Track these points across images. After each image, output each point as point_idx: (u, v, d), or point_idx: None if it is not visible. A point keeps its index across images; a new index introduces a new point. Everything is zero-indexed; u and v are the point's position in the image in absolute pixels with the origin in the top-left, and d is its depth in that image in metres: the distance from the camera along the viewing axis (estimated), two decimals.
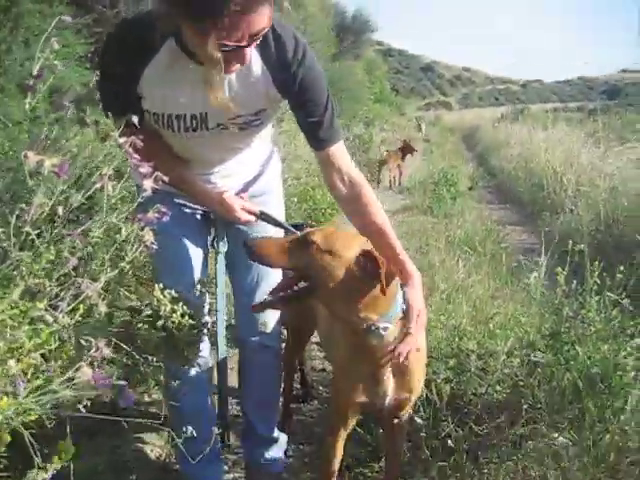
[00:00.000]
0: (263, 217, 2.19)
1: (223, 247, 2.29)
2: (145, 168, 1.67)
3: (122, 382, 1.47)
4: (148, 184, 1.64)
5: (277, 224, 2.22)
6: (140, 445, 2.82)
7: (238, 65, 1.77)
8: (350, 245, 1.81)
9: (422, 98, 73.89)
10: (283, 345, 2.98)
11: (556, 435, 2.04)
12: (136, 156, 1.61)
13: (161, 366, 2.28)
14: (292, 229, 2.21)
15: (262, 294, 2.25)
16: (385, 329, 1.82)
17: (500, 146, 16.05)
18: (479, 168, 14.54)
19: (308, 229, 1.98)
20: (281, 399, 2.73)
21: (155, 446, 2.83)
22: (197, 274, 2.18)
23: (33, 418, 1.50)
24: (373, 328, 1.82)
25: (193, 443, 1.89)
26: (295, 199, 6.57)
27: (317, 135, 2.03)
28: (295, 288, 1.87)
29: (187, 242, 2.19)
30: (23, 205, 1.55)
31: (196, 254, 2.21)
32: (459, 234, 6.34)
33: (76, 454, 1.49)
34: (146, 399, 3.19)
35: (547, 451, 2.01)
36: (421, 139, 20.20)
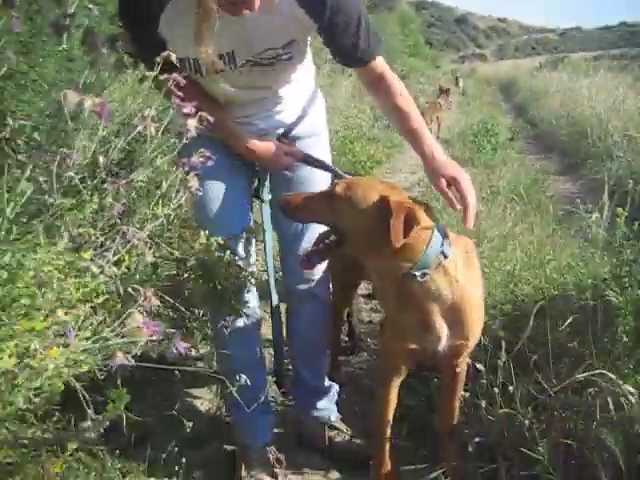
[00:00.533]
0: (306, 159, 2.13)
1: (267, 195, 2.22)
2: (188, 108, 1.61)
3: (173, 330, 1.43)
4: (192, 123, 1.59)
5: (322, 166, 2.15)
6: (189, 399, 2.82)
7: (248, 11, 1.70)
8: (369, 194, 1.77)
9: (456, 51, 72.54)
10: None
11: (621, 382, 1.93)
12: (179, 93, 1.54)
13: (208, 319, 2.27)
14: (339, 171, 2.15)
15: (308, 242, 2.20)
16: (423, 276, 1.78)
17: (539, 96, 15.57)
18: (518, 119, 14.18)
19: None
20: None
21: (205, 399, 2.83)
22: (242, 221, 2.12)
23: (85, 369, 1.46)
24: (411, 275, 1.78)
25: (244, 393, 1.85)
26: (334, 152, 6.48)
27: (355, 56, 1.97)
28: (326, 242, 1.87)
29: (231, 188, 2.12)
30: (64, 149, 1.50)
31: (240, 200, 2.15)
32: (502, 184, 6.18)
33: (128, 405, 1.46)
34: (193, 354, 3.18)
35: (611, 398, 1.91)
36: (458, 93, 19.73)
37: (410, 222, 1.69)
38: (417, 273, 1.77)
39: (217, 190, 2.07)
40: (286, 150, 2.10)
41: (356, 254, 1.90)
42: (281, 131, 2.16)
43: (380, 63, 2.01)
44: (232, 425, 2.40)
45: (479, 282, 1.99)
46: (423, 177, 5.79)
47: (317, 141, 2.25)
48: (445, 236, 1.82)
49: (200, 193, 1.75)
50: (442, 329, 1.89)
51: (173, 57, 1.60)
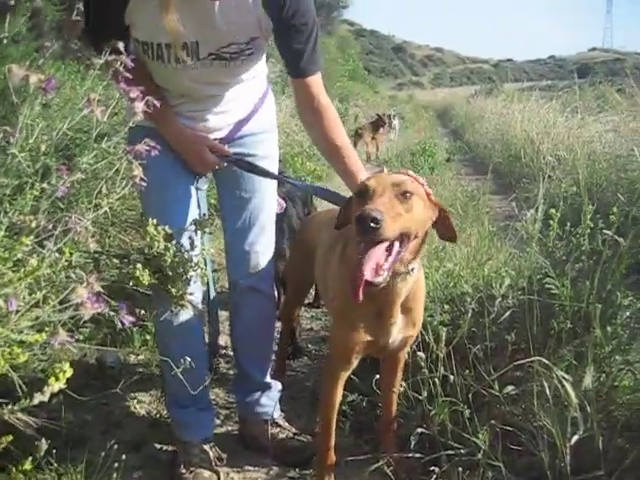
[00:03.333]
0: (237, 161, 2.16)
1: (203, 184, 2.25)
2: (135, 92, 1.60)
3: (122, 303, 1.41)
4: (139, 106, 1.57)
5: (251, 169, 2.18)
6: (129, 403, 2.77)
7: None
8: (421, 189, 1.80)
9: (394, 78, 74.03)
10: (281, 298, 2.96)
11: (556, 368, 2.00)
12: (127, 75, 1.53)
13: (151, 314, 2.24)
14: (269, 171, 2.21)
15: (254, 236, 2.24)
16: (413, 270, 1.84)
17: (475, 121, 16.01)
18: (455, 142, 14.53)
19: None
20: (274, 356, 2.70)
21: (144, 403, 2.78)
22: (187, 213, 2.11)
23: (23, 360, 1.42)
24: (405, 271, 1.81)
25: (185, 389, 1.84)
26: None
27: (298, 63, 2.02)
28: (395, 253, 1.69)
29: (177, 180, 2.12)
30: (7, 128, 1.47)
31: (186, 192, 2.14)
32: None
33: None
34: (132, 359, 3.13)
35: (547, 384, 1.97)
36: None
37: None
38: (410, 267, 1.82)
39: (163, 182, 2.06)
40: (213, 148, 2.11)
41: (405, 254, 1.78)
42: (231, 127, 2.18)
43: (317, 82, 2.07)
44: (172, 423, 2.36)
45: (423, 276, 2.05)
46: None
47: (265, 138, 2.28)
48: None
49: (144, 184, 1.73)
50: (397, 321, 1.93)
51: (120, 45, 1.60)
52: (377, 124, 12.50)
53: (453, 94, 33.74)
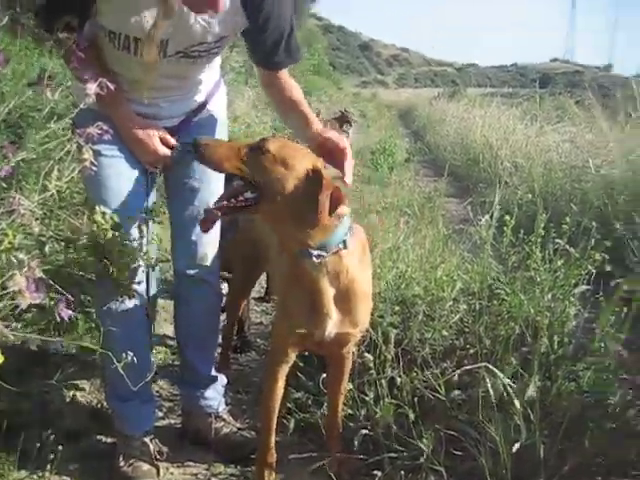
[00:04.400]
0: (186, 150, 2.10)
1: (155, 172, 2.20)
2: (88, 73, 1.55)
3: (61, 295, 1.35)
4: (92, 88, 1.51)
5: None
6: (70, 391, 2.69)
7: (212, 11, 1.74)
8: (303, 160, 1.75)
9: (359, 76, 74.25)
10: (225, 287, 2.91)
11: (502, 375, 2.00)
12: (80, 54, 1.47)
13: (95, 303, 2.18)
14: None
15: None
16: (318, 257, 1.77)
17: (436, 123, 16.14)
18: (415, 143, 14.60)
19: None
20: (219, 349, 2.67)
21: (86, 392, 2.71)
22: (138, 202, 2.06)
23: None
24: (306, 253, 1.76)
25: (127, 376, 1.79)
26: None
27: (271, 59, 2.03)
28: (240, 198, 1.77)
29: (128, 166, 2.07)
30: None
31: (137, 180, 2.09)
32: (396, 201, 6.34)
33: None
34: (76, 346, 3.05)
35: (493, 391, 1.97)
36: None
37: (337, 202, 1.70)
38: (314, 253, 1.76)
39: (114, 168, 2.01)
40: (164, 139, 2.07)
41: (268, 217, 1.83)
42: (183, 117, 2.15)
43: (285, 75, 2.09)
44: (112, 415, 2.30)
45: (369, 274, 2.00)
46: None
47: (216, 127, 2.25)
48: (350, 227, 1.83)
49: (94, 168, 1.67)
50: (331, 314, 1.88)
51: (75, 22, 1.55)
52: (342, 120, 12.45)
53: (417, 95, 33.89)
